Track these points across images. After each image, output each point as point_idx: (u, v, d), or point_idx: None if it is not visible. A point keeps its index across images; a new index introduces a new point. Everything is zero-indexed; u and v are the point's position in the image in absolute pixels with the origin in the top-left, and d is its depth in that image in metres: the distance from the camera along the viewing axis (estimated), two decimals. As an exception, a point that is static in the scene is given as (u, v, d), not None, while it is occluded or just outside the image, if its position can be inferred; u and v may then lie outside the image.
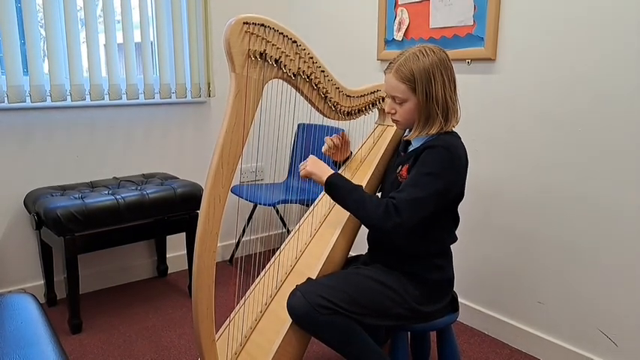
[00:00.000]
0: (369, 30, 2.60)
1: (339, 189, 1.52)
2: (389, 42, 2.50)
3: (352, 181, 1.73)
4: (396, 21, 2.43)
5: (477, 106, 2.14)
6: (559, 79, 1.88)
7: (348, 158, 1.87)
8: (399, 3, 2.40)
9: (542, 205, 1.98)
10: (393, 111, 1.54)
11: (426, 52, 1.47)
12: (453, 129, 1.53)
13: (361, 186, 1.53)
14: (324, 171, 1.55)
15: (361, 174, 1.75)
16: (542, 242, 2.01)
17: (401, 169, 1.56)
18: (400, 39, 2.42)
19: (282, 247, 1.74)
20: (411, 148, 1.60)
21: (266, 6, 3.00)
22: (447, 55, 1.50)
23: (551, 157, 1.94)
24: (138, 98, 2.58)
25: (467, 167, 1.53)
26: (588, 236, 1.87)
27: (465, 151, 1.52)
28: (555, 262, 1.97)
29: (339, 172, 1.82)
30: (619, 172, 1.76)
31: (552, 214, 1.96)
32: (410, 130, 1.58)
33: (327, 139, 1.82)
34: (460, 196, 1.55)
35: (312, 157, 1.60)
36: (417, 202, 1.41)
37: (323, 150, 1.83)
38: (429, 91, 1.45)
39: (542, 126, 1.95)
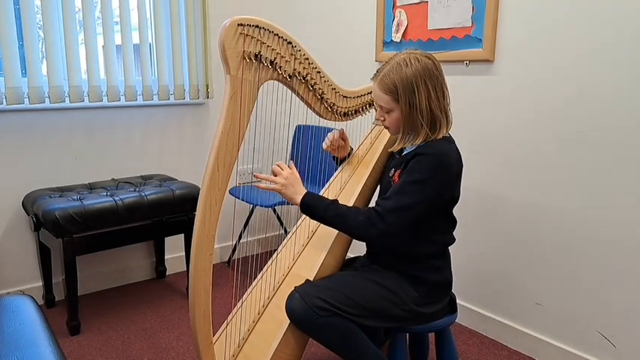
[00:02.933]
0: (367, 31, 2.60)
1: (315, 208, 1.50)
2: (387, 43, 2.50)
3: (350, 182, 1.74)
4: (395, 22, 2.43)
5: (475, 108, 2.14)
6: (557, 80, 1.88)
7: (349, 154, 1.87)
8: (398, 4, 2.40)
9: (541, 206, 1.98)
10: (382, 118, 1.54)
11: (410, 61, 1.44)
12: (446, 134, 1.52)
13: (336, 200, 1.52)
14: (296, 192, 1.51)
15: (358, 175, 1.75)
16: (540, 243, 2.00)
17: (394, 174, 1.56)
18: (398, 40, 2.43)
19: (280, 248, 1.74)
20: (405, 151, 1.60)
21: (264, 7, 3.01)
22: (433, 61, 1.47)
23: (549, 158, 1.94)
24: (136, 100, 2.58)
25: (459, 172, 1.52)
26: (587, 237, 1.86)
27: (458, 155, 1.50)
28: (554, 264, 1.97)
29: (337, 173, 1.83)
30: (618, 173, 1.76)
31: (551, 215, 1.96)
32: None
33: (330, 134, 1.81)
34: (452, 200, 1.54)
35: (287, 175, 1.53)
36: (401, 210, 1.42)
37: (324, 147, 1.83)
38: (412, 101, 1.44)
39: (541, 127, 1.95)
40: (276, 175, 1.55)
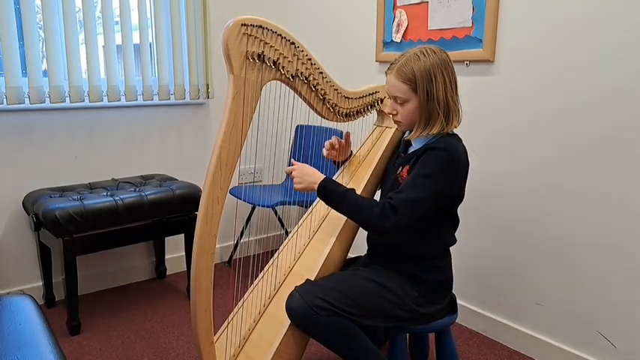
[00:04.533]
0: (367, 31, 2.60)
1: (332, 193, 1.51)
2: (387, 43, 2.50)
3: (351, 182, 1.74)
4: (395, 22, 2.43)
5: (475, 108, 2.15)
6: (557, 80, 1.88)
7: (348, 158, 1.87)
8: (398, 4, 2.40)
9: (541, 206, 1.98)
10: (395, 112, 1.54)
11: (427, 52, 1.47)
12: (454, 130, 1.53)
13: (353, 189, 1.52)
14: (314, 176, 1.53)
15: (359, 176, 1.75)
16: (541, 243, 2.01)
17: (401, 170, 1.56)
18: (399, 40, 2.43)
19: (280, 248, 1.74)
20: (411, 150, 1.60)
21: (265, 8, 3.01)
22: (447, 55, 1.50)
23: (549, 158, 1.94)
24: (136, 99, 2.58)
25: (467, 169, 1.53)
26: (587, 238, 1.87)
27: (466, 153, 1.52)
28: (554, 264, 1.98)
29: (338, 173, 1.83)
30: (618, 173, 1.76)
31: (551, 215, 1.96)
32: (411, 131, 1.58)
33: (327, 143, 1.82)
34: (459, 198, 1.55)
35: (300, 167, 1.56)
36: (414, 202, 1.42)
37: (324, 154, 1.83)
38: (430, 90, 1.46)
39: (541, 127, 1.95)
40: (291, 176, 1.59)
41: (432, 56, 1.47)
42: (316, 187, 1.51)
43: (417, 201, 1.42)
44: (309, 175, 1.54)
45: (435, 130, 1.48)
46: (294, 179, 1.56)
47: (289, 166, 1.61)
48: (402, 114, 1.53)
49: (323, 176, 1.53)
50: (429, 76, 1.45)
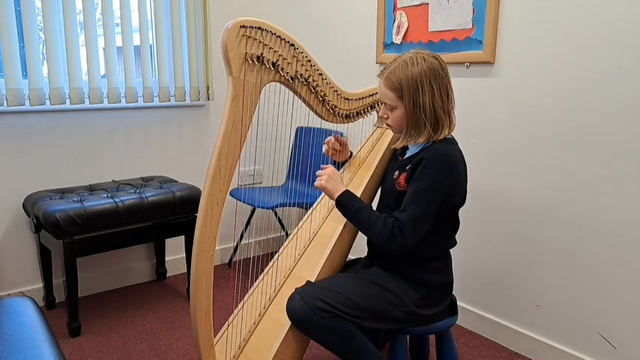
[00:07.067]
0: (368, 33, 2.60)
1: (347, 208, 1.55)
2: (388, 45, 2.50)
3: (351, 184, 1.74)
4: (395, 24, 2.43)
5: (475, 110, 2.15)
6: (558, 82, 1.88)
7: (348, 159, 1.88)
8: (398, 6, 2.40)
9: (542, 208, 1.98)
10: (386, 116, 1.56)
11: (416, 60, 1.46)
12: (446, 136, 1.53)
13: (369, 205, 1.56)
14: (336, 188, 1.58)
15: (360, 177, 1.75)
16: (541, 245, 2.01)
17: (398, 177, 1.56)
18: (399, 42, 2.43)
19: (280, 250, 1.74)
20: (408, 153, 1.60)
21: (265, 9, 3.01)
22: (440, 62, 1.48)
23: (549, 160, 1.94)
24: (137, 101, 2.58)
25: (465, 173, 1.53)
26: (587, 239, 1.87)
27: (462, 156, 1.52)
28: (554, 266, 1.97)
29: (339, 173, 1.84)
30: (618, 176, 1.76)
31: (551, 217, 1.96)
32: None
33: (327, 140, 1.83)
34: (461, 202, 1.55)
35: (330, 172, 1.61)
36: (418, 221, 1.44)
37: (323, 151, 1.84)
38: (416, 100, 1.45)
39: (541, 129, 1.95)
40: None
41: (421, 64, 1.45)
42: (336, 195, 1.56)
43: (421, 218, 1.45)
44: (335, 182, 1.59)
45: (421, 140, 1.49)
46: (321, 175, 1.60)
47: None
48: (392, 119, 1.54)
49: (344, 188, 1.58)
50: (415, 85, 1.45)
